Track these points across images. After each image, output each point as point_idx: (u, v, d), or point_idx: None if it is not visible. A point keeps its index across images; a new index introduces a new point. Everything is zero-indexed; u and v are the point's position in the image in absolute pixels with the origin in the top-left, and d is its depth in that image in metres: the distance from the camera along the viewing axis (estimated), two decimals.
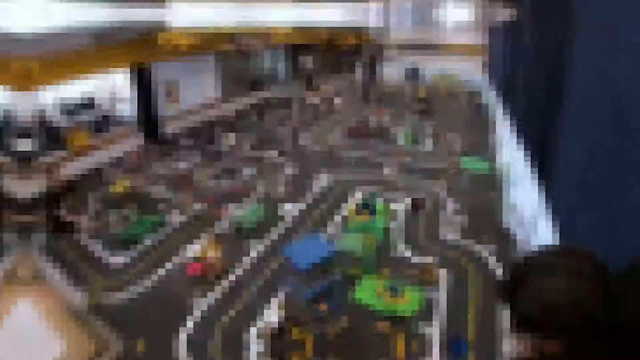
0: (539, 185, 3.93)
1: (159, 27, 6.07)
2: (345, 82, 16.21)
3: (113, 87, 10.32)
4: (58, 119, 8.00)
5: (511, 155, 5.64)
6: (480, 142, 8.32)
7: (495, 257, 4.28)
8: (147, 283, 4.06)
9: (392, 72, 15.72)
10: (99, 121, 8.85)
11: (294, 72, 15.28)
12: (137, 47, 6.56)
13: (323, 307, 3.15)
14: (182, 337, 3.33)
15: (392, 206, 5.33)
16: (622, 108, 2.14)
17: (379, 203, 5.39)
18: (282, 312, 3.41)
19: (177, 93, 9.59)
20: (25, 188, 5.58)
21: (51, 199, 5.58)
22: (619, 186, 2.13)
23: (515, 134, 5.73)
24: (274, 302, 3.70)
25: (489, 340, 3.18)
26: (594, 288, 0.66)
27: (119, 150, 7.55)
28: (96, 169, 7.10)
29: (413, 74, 12.68)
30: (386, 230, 4.80)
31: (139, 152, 8.20)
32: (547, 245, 1.02)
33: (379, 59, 16.02)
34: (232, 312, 3.59)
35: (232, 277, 4.08)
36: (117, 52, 6.33)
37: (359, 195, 5.73)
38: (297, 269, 2.91)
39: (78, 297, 3.37)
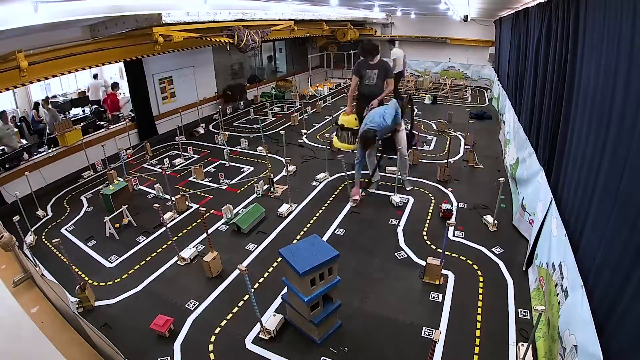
0: (547, 184, 3.90)
1: (155, 21, 6.02)
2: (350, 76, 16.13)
3: (106, 82, 10.33)
4: (49, 116, 8.00)
5: (518, 153, 5.62)
6: (488, 140, 8.30)
7: (502, 258, 4.24)
8: (143, 285, 4.04)
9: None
10: (92, 117, 8.87)
11: (295, 66, 15.23)
12: (132, 41, 6.52)
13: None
14: (178, 341, 3.32)
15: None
16: (630, 105, 2.11)
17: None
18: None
19: (173, 88, 9.59)
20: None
21: None
22: (627, 186, 2.11)
23: (522, 131, 5.70)
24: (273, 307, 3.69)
25: (497, 347, 3.15)
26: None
27: (114, 147, 7.54)
28: (89, 166, 7.11)
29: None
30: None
31: (134, 149, 8.22)
32: None
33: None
34: (229, 316, 3.58)
35: (230, 279, 4.07)
36: (112, 46, 6.27)
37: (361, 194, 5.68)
38: (296, 272, 2.88)
39: (70, 301, 3.36)
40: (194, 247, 4.62)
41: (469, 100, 12.44)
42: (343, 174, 5.96)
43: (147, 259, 4.47)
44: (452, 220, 5.00)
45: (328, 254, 3.03)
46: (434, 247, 4.46)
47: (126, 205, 5.25)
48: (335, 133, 6.81)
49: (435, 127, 9.24)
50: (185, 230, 5.04)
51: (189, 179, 6.63)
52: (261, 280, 4.05)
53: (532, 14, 5.72)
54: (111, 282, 4.10)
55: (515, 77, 7.57)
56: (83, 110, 9.09)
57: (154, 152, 8.03)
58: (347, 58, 15.51)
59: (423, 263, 4.03)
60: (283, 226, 5.05)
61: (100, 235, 4.96)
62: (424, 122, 9.69)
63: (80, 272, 4.20)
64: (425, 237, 4.69)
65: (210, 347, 3.23)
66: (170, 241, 4.38)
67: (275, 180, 6.15)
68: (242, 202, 5.68)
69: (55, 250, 4.62)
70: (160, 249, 4.65)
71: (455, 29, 14.07)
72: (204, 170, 6.81)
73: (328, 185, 6.19)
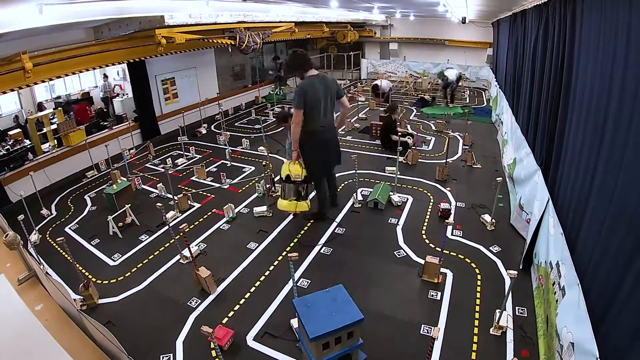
0: (544, 183, 3.90)
1: (158, 22, 6.02)
2: (350, 77, 16.15)
3: (110, 83, 10.33)
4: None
5: (516, 153, 5.61)
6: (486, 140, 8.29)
7: (500, 257, 4.24)
8: (145, 283, 4.04)
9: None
10: (96, 118, 8.88)
11: None
12: (135, 43, 6.52)
13: None
14: (180, 340, 3.32)
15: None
16: (627, 104, 2.11)
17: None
18: None
19: (175, 89, 9.59)
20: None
21: None
22: (623, 185, 2.10)
23: (519, 131, 5.70)
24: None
25: (495, 344, 3.15)
26: None
27: (117, 147, 7.53)
28: (93, 166, 7.11)
29: None
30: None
31: (137, 149, 8.22)
32: None
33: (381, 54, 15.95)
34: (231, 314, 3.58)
35: (231, 277, 4.07)
36: (115, 48, 6.28)
37: (360, 193, 5.68)
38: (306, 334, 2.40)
39: (74, 299, 3.36)
40: (196, 245, 4.62)
41: (467, 101, 12.44)
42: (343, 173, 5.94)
43: (149, 258, 4.47)
44: (451, 219, 5.00)
45: (350, 317, 2.49)
46: (433, 246, 4.46)
47: (129, 205, 5.25)
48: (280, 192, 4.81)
49: (434, 128, 9.24)
50: (187, 229, 5.03)
51: (191, 178, 6.63)
52: (262, 278, 4.05)
53: (529, 16, 5.71)
54: (114, 280, 4.11)
55: (512, 78, 7.57)
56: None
57: (156, 152, 8.03)
58: (347, 59, 15.52)
59: (422, 261, 4.03)
60: (284, 225, 5.04)
61: (104, 234, 4.96)
62: (422, 122, 9.68)
63: (83, 271, 4.20)
64: (424, 236, 4.69)
65: (212, 344, 3.23)
66: (173, 239, 4.39)
67: (276, 179, 6.15)
68: (243, 202, 5.68)
69: (59, 249, 4.62)
70: (162, 248, 4.65)
71: (453, 30, 14.05)
72: (206, 170, 6.81)
73: None
